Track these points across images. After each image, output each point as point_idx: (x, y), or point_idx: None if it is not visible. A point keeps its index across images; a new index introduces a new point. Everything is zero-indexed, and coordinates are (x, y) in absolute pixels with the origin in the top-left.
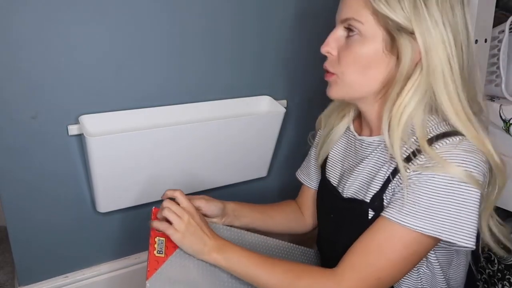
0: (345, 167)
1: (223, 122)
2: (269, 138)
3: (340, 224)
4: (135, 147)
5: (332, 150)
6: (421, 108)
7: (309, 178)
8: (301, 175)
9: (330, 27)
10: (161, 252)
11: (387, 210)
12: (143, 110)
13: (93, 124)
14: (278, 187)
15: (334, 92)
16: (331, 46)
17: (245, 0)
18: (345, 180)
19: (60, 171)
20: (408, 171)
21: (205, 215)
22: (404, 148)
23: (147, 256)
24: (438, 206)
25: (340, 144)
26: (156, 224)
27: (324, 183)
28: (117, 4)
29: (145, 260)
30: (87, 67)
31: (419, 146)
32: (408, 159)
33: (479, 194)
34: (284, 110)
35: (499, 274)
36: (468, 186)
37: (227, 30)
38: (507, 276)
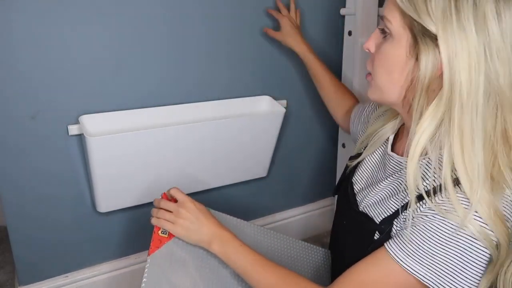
0: (371, 178)
1: (223, 122)
2: (269, 138)
3: (349, 231)
4: (135, 147)
5: (368, 157)
6: (443, 137)
7: (353, 124)
8: (353, 117)
9: (329, 27)
10: (165, 233)
11: (391, 243)
12: (143, 110)
13: (93, 124)
14: (278, 187)
15: (370, 93)
16: (370, 43)
17: (246, 1)
18: (366, 192)
19: (60, 171)
20: (423, 207)
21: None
22: (430, 180)
23: (147, 253)
24: (444, 257)
25: (376, 153)
26: (155, 221)
27: (347, 186)
28: (117, 4)
29: (145, 260)
30: (87, 67)
31: (442, 182)
32: (428, 193)
33: (488, 257)
34: (284, 110)
35: None
36: (481, 245)
37: (227, 29)
38: None
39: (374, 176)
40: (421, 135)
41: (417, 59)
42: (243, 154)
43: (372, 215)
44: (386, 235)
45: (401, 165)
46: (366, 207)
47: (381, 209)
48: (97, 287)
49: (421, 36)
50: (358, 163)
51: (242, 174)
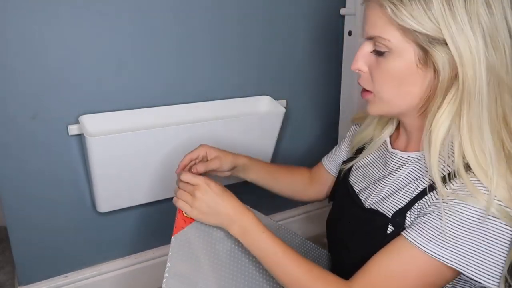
0: (371, 176)
1: (223, 122)
2: (269, 138)
3: (357, 232)
4: (135, 147)
5: (362, 158)
6: (453, 130)
7: (333, 166)
8: (327, 162)
9: (329, 27)
10: None
11: (409, 231)
12: (143, 110)
13: (93, 124)
14: None
15: (374, 109)
16: (359, 63)
17: (245, 1)
18: (369, 190)
19: (60, 171)
20: (438, 195)
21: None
22: (442, 167)
23: (147, 253)
24: (467, 238)
25: (371, 154)
26: (175, 201)
27: (345, 187)
28: (118, 5)
29: (145, 260)
30: (87, 67)
31: (455, 169)
32: (443, 180)
33: (511, 233)
34: (284, 110)
35: None
36: (502, 223)
37: (228, 30)
38: None
39: (374, 175)
40: (439, 130)
41: (428, 65)
42: (243, 154)
43: (382, 210)
44: (401, 228)
45: (404, 160)
46: (373, 204)
47: (390, 204)
48: (97, 287)
49: (429, 45)
50: (352, 165)
51: None
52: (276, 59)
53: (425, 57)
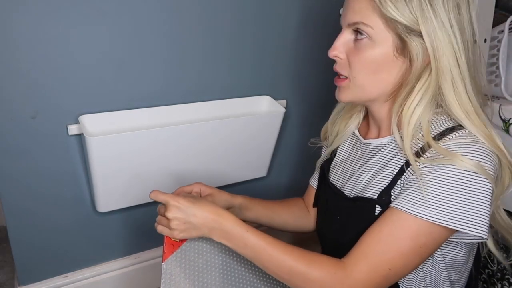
0: (350, 170)
1: (223, 122)
2: (269, 138)
3: (346, 224)
4: (135, 147)
5: (337, 155)
6: (430, 107)
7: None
8: (313, 180)
9: (329, 27)
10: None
11: (395, 201)
12: (143, 110)
13: (93, 124)
14: (278, 187)
15: (346, 95)
16: (339, 50)
17: (245, 0)
18: (352, 182)
19: (60, 171)
20: (418, 164)
21: None
22: (413, 143)
23: (146, 253)
24: (448, 195)
25: (344, 149)
26: (156, 226)
27: (327, 186)
28: (117, 5)
29: (145, 259)
30: (87, 67)
31: (424, 143)
32: (417, 154)
33: (490, 185)
34: (284, 110)
35: (498, 274)
36: (479, 176)
37: (227, 30)
38: (507, 276)
39: (353, 167)
40: (413, 112)
41: (404, 54)
42: (243, 154)
43: (368, 194)
44: (387, 205)
45: (378, 146)
46: (359, 192)
47: (374, 187)
48: (97, 287)
49: (406, 35)
50: (328, 166)
51: (242, 174)
52: (276, 59)
53: (402, 47)
